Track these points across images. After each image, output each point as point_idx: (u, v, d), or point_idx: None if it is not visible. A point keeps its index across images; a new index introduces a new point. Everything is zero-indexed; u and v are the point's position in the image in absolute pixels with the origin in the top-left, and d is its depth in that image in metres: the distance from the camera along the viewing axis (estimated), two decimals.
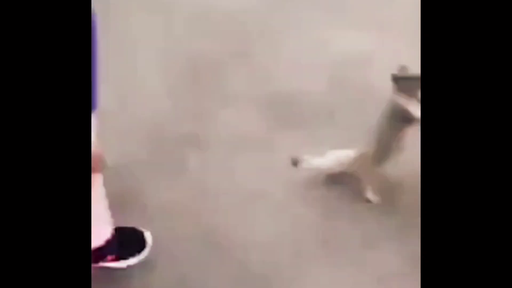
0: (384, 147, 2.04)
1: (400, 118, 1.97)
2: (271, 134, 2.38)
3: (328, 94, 2.53)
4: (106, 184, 1.72)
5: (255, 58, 2.72)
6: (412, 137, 1.96)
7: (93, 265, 1.84)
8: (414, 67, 1.90)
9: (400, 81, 1.93)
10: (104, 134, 1.58)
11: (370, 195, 2.11)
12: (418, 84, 1.88)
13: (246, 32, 2.85)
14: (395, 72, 1.95)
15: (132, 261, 1.90)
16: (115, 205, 1.81)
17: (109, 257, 1.86)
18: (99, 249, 1.81)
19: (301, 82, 2.59)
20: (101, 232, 1.80)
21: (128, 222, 1.95)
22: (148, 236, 1.94)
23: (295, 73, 2.64)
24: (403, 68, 1.94)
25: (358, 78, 2.58)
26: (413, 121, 1.95)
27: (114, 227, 1.85)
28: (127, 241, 1.90)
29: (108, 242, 1.82)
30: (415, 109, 1.93)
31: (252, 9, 2.96)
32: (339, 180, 2.16)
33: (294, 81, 2.60)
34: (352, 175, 2.12)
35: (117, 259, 1.88)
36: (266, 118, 2.44)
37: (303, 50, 2.74)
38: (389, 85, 1.95)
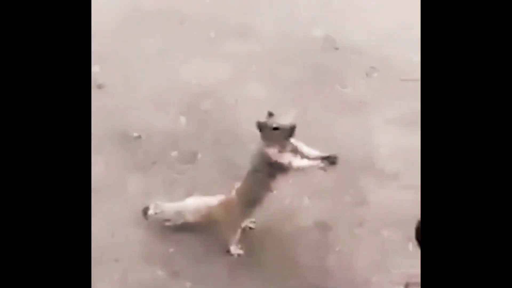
0: (251, 196, 1.82)
1: (268, 166, 1.78)
2: (122, 178, 2.09)
3: (190, 133, 2.29)
4: None
5: (103, 92, 2.42)
6: (285, 185, 1.80)
7: None
8: (279, 108, 1.75)
9: (265, 129, 1.75)
10: None
11: (232, 248, 1.89)
12: (287, 133, 1.74)
13: (98, 64, 2.53)
14: (263, 119, 1.76)
15: None
16: None
17: None
18: None
19: (158, 118, 2.34)
20: None
21: None
22: None
23: (151, 108, 2.38)
24: (270, 115, 1.76)
25: (221, 115, 2.39)
26: (286, 170, 1.77)
27: None
28: None
29: None
30: (285, 159, 1.76)
31: (104, 40, 2.65)
32: (198, 229, 1.91)
33: (150, 118, 2.33)
34: (213, 225, 1.89)
35: None
36: (116, 159, 2.15)
37: (160, 85, 2.50)
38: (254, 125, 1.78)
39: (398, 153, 2.15)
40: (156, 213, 1.91)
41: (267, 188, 1.81)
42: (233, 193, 1.85)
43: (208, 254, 1.87)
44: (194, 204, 1.92)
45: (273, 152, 1.75)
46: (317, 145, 1.81)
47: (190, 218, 1.91)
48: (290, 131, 1.74)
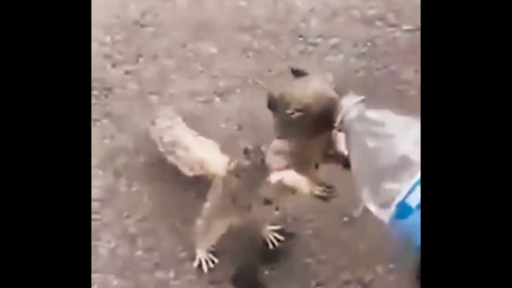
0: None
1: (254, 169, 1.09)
2: None
3: None
4: None
5: None
6: None
7: None
8: None
9: (278, 110, 0.97)
10: None
11: (200, 251, 1.25)
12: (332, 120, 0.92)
13: None
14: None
15: None
16: None
17: None
18: None
19: None
20: None
21: None
22: None
23: None
24: (297, 74, 0.97)
25: None
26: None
27: None
28: None
29: None
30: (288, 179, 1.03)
31: None
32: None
33: None
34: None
35: None
36: None
37: None
38: None
39: None
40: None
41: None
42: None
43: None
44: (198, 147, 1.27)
45: (275, 159, 1.01)
46: None
47: (181, 166, 1.27)
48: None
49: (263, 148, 1.03)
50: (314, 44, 1.74)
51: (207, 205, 1.19)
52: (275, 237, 1.26)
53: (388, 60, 1.67)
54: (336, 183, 0.99)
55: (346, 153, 0.94)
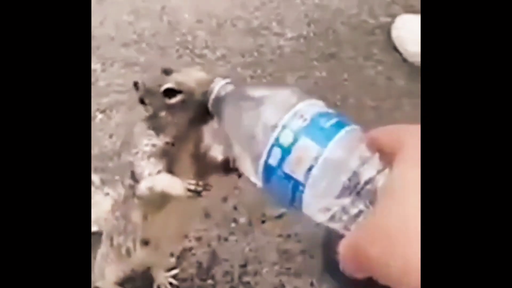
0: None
1: None
2: None
3: None
4: None
5: None
6: None
7: None
8: None
9: (152, 98, 0.88)
10: None
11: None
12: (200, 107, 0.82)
13: None
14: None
15: None
16: None
17: None
18: None
19: None
20: None
21: None
22: None
23: None
24: (167, 73, 0.87)
25: None
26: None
27: None
28: None
29: None
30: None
31: None
32: None
33: None
34: None
35: None
36: None
37: None
38: None
39: None
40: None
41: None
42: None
43: None
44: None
45: (146, 164, 0.91)
46: None
47: None
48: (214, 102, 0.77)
49: (131, 159, 0.92)
50: (201, 56, 1.74)
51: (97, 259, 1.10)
52: (170, 283, 1.19)
53: (273, 68, 1.70)
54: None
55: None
